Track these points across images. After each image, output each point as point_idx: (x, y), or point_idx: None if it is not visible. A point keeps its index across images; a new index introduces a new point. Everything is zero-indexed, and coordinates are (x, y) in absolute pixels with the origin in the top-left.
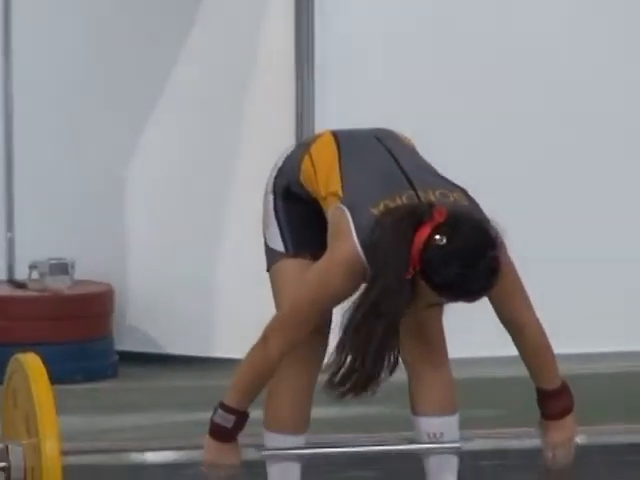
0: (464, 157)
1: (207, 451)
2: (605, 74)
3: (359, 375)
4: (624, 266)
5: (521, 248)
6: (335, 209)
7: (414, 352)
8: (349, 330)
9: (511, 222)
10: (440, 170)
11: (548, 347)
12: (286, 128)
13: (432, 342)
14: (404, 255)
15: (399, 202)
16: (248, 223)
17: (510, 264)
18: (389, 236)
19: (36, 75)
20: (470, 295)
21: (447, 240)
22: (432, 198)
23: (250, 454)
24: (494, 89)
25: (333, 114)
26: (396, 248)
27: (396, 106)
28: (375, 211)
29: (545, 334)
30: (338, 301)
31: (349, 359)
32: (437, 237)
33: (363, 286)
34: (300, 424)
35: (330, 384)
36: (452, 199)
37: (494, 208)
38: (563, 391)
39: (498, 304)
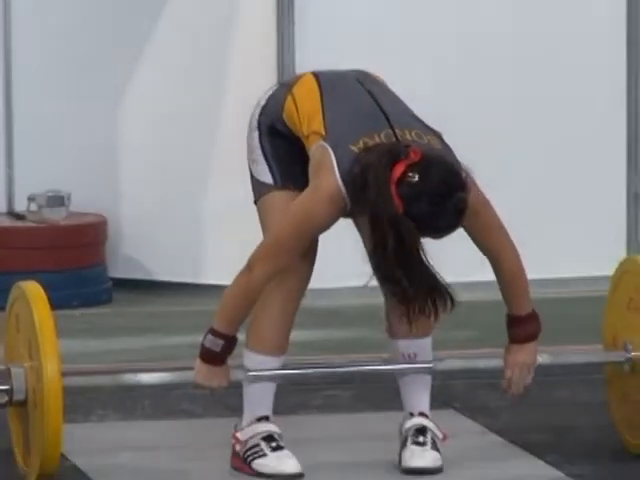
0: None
1: (197, 373)
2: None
3: (421, 291)
4: (588, 192)
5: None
6: (317, 146)
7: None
8: (383, 276)
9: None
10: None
11: (522, 275)
12: (269, 64)
13: None
14: (388, 192)
15: (377, 140)
16: (235, 156)
17: (486, 202)
18: (370, 173)
19: (35, 23)
20: (437, 232)
21: (419, 178)
22: (408, 137)
23: (237, 375)
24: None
25: (312, 57)
26: (379, 185)
27: (376, 43)
28: (355, 148)
29: (521, 264)
30: (319, 231)
31: (409, 292)
32: (410, 174)
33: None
34: (281, 347)
35: (413, 318)
36: (426, 141)
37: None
38: (532, 318)
39: (477, 239)
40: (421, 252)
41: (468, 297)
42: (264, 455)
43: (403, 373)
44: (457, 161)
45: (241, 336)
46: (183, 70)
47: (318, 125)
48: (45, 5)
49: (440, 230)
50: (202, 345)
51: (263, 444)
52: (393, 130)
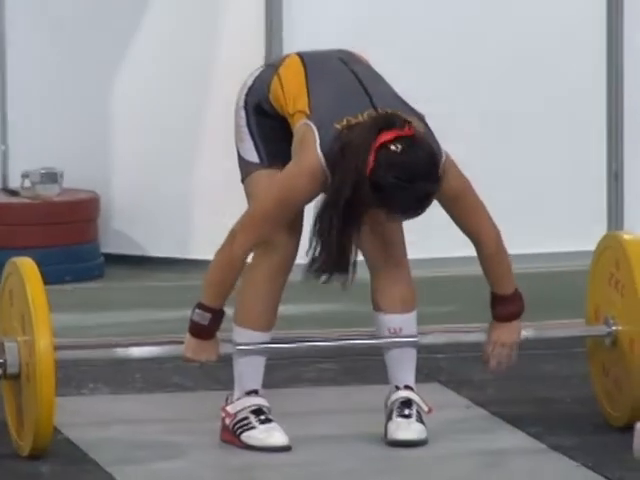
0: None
1: (186, 347)
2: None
3: (327, 259)
4: (570, 170)
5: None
6: (301, 124)
7: (375, 252)
8: (317, 220)
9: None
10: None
11: (504, 256)
12: (258, 43)
13: (392, 242)
14: (364, 151)
15: (360, 119)
16: (224, 134)
17: (465, 186)
18: (353, 139)
19: (30, 9)
20: (391, 208)
21: (401, 150)
22: None
23: (226, 348)
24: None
25: (301, 38)
26: (358, 145)
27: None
28: (338, 126)
29: (502, 244)
30: (301, 204)
31: (319, 245)
32: (395, 144)
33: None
34: (268, 321)
35: (307, 268)
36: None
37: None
38: (515, 297)
39: (457, 221)
40: (356, 229)
41: (452, 272)
42: (252, 428)
43: (389, 347)
44: (438, 144)
45: (229, 310)
46: (174, 49)
47: (303, 104)
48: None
49: (394, 207)
50: (190, 320)
51: (252, 417)
52: (376, 110)
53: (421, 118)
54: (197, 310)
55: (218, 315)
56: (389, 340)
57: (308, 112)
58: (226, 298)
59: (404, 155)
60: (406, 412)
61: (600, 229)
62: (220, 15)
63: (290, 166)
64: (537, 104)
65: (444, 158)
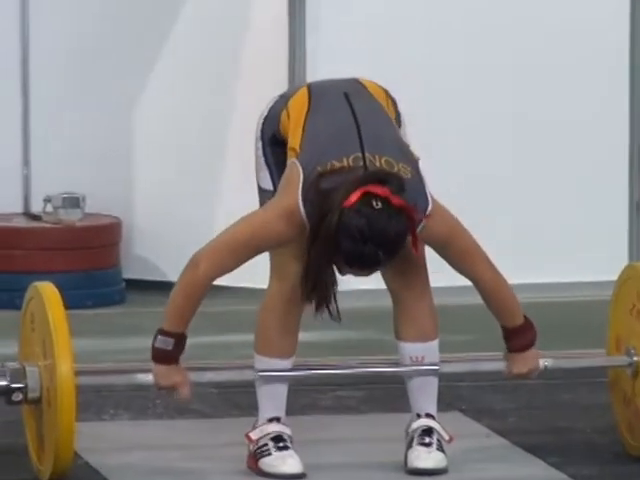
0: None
1: (155, 376)
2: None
3: (312, 295)
4: (591, 200)
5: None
6: (291, 162)
7: (397, 280)
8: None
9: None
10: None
11: (505, 291)
12: (281, 64)
13: (414, 271)
14: (349, 189)
15: (344, 164)
16: (249, 157)
17: (453, 231)
18: (329, 191)
19: (51, 28)
20: (339, 250)
21: (378, 210)
22: (377, 164)
23: (247, 375)
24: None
25: (324, 54)
26: (346, 183)
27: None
28: (320, 170)
29: (501, 280)
30: (271, 246)
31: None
32: (376, 202)
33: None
34: (288, 349)
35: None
36: (396, 169)
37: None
38: (525, 328)
39: (452, 265)
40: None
41: (470, 300)
42: (269, 454)
43: (410, 376)
44: (424, 193)
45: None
46: (197, 72)
47: (296, 142)
48: (62, 7)
49: (342, 252)
50: (153, 347)
51: (271, 444)
52: (363, 155)
53: (414, 163)
54: (159, 336)
55: (181, 339)
56: (411, 368)
57: (298, 150)
58: (188, 323)
59: (377, 215)
60: (427, 440)
61: (621, 259)
62: (243, 46)
63: (270, 205)
64: (558, 130)
65: (430, 206)
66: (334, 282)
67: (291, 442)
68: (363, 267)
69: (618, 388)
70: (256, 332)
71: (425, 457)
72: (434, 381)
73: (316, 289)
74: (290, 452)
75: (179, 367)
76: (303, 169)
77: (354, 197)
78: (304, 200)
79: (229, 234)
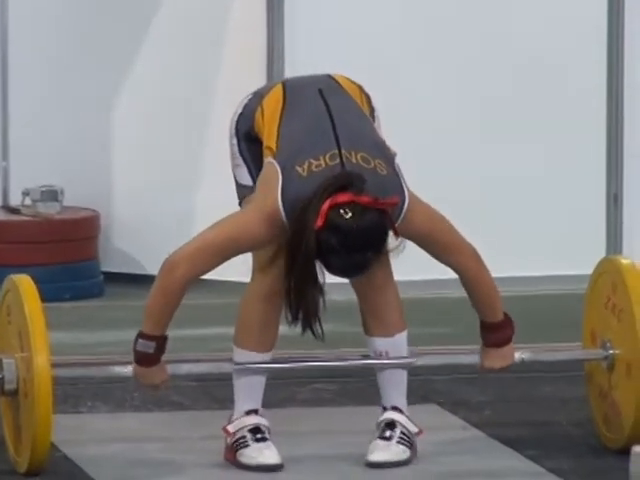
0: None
1: (138, 376)
2: None
3: (297, 308)
4: (569, 193)
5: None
6: (268, 162)
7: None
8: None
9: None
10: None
11: (488, 283)
12: (259, 61)
13: (375, 266)
14: (315, 209)
15: (322, 162)
16: (226, 152)
17: (434, 222)
18: (309, 195)
19: (31, 22)
20: (333, 269)
21: (349, 217)
22: (353, 161)
23: (225, 368)
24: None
25: (302, 52)
26: (311, 202)
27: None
28: (300, 169)
29: (484, 272)
30: (250, 248)
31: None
32: (347, 208)
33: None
34: (267, 342)
35: (289, 320)
36: (372, 165)
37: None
38: (504, 324)
39: (435, 257)
40: (310, 272)
41: (447, 294)
42: (247, 446)
43: (382, 368)
44: (401, 188)
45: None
46: (175, 67)
47: (272, 140)
48: (42, 7)
49: (333, 268)
50: (135, 350)
51: (249, 435)
52: (340, 152)
53: (390, 159)
54: (140, 340)
55: (162, 341)
56: (385, 361)
57: (274, 149)
58: (167, 324)
59: (351, 222)
60: (387, 434)
61: (598, 252)
62: (221, 43)
63: (249, 208)
64: (534, 124)
65: (407, 200)
66: (318, 302)
67: (269, 434)
68: (357, 273)
69: (594, 381)
70: (237, 325)
71: (382, 450)
72: (402, 374)
73: (301, 312)
74: (267, 443)
75: (161, 366)
76: (282, 169)
77: (322, 217)
78: (284, 202)
79: (208, 237)
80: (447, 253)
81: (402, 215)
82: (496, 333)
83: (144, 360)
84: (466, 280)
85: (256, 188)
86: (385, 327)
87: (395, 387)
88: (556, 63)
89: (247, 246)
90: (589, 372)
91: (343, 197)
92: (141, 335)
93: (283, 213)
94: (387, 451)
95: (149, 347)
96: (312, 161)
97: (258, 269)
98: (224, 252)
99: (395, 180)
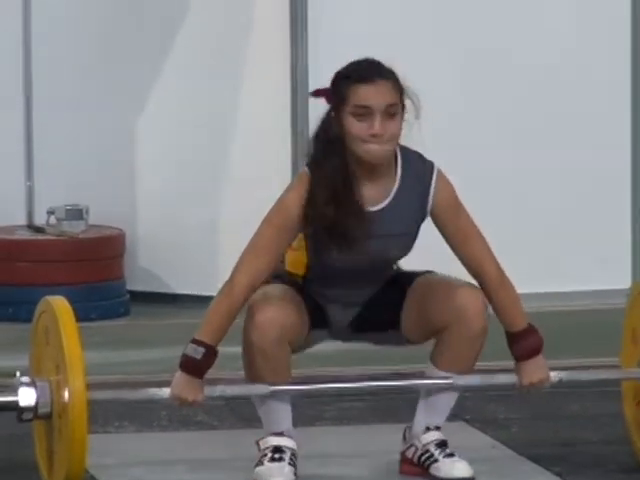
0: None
1: (174, 385)
2: None
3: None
4: (595, 209)
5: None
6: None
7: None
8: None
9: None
10: None
11: (510, 285)
12: (283, 79)
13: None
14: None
15: None
16: (249, 168)
17: (461, 205)
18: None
19: (54, 44)
20: (356, 81)
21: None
22: None
23: (259, 390)
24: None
25: (325, 63)
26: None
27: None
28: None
29: (505, 277)
30: (294, 221)
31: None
32: None
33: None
34: (282, 380)
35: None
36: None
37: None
38: (529, 333)
39: (457, 245)
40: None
41: None
42: (261, 464)
43: (423, 389)
44: (422, 157)
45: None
46: (198, 86)
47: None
48: (65, 24)
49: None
50: (183, 354)
51: (268, 455)
52: None
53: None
54: (190, 345)
55: (211, 351)
56: (423, 381)
57: None
58: (222, 337)
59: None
60: (448, 451)
61: (625, 270)
62: (245, 52)
63: (282, 194)
64: (563, 146)
65: (435, 166)
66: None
67: (293, 455)
68: (372, 78)
69: (630, 387)
70: (245, 371)
71: (459, 467)
72: (451, 396)
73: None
74: (282, 464)
75: (200, 383)
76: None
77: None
78: (308, 165)
79: (255, 235)
80: (473, 241)
81: (434, 178)
82: (526, 341)
83: (189, 365)
84: (488, 278)
85: None
86: (455, 364)
87: (443, 409)
88: (577, 81)
89: (290, 221)
90: (627, 386)
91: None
92: (193, 340)
93: (309, 172)
94: (463, 467)
95: (198, 352)
96: None
97: (259, 314)
98: (272, 240)
99: (416, 153)
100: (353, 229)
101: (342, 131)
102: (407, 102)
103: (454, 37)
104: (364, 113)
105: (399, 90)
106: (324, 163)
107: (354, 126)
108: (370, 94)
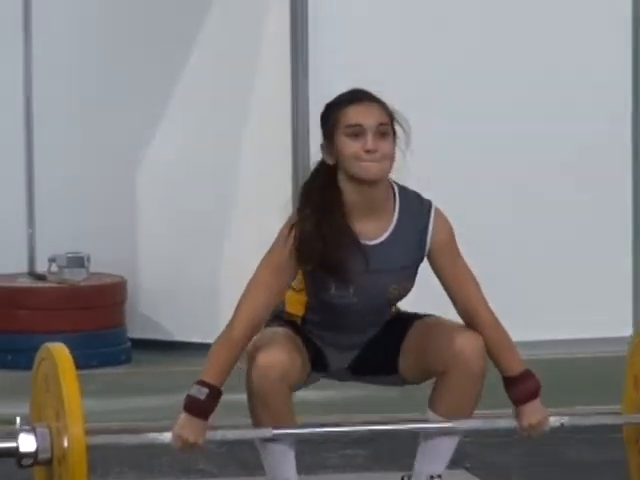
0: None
1: (177, 425)
2: None
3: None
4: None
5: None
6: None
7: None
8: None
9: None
10: None
11: (504, 330)
12: (283, 125)
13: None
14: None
15: None
16: (250, 215)
17: (457, 247)
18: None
19: (54, 78)
20: (348, 104)
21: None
22: None
23: (264, 433)
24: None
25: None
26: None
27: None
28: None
29: (499, 322)
30: (287, 259)
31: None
32: None
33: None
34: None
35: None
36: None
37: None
38: (526, 376)
39: (451, 287)
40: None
41: None
42: None
43: (429, 436)
44: (420, 196)
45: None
46: (199, 133)
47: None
48: (65, 67)
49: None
50: (187, 395)
51: None
52: None
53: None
54: (195, 386)
55: (215, 392)
56: (424, 426)
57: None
58: (225, 378)
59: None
60: None
61: (625, 319)
62: (248, 97)
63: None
64: (561, 194)
65: (433, 207)
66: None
67: None
68: (361, 99)
69: (632, 433)
70: (251, 418)
71: None
72: (453, 442)
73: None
74: None
75: (204, 425)
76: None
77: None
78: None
79: (251, 278)
80: (468, 284)
81: (432, 216)
82: (524, 384)
83: (193, 405)
84: (483, 322)
85: None
86: (453, 409)
87: (442, 456)
88: (579, 131)
89: (284, 257)
90: (629, 433)
91: None
92: (198, 381)
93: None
94: None
95: (202, 393)
96: None
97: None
98: (263, 280)
99: (413, 192)
100: (347, 261)
101: (335, 164)
102: (398, 129)
103: (454, 37)
104: (357, 132)
105: (389, 114)
106: (316, 199)
107: (347, 146)
108: (360, 113)
